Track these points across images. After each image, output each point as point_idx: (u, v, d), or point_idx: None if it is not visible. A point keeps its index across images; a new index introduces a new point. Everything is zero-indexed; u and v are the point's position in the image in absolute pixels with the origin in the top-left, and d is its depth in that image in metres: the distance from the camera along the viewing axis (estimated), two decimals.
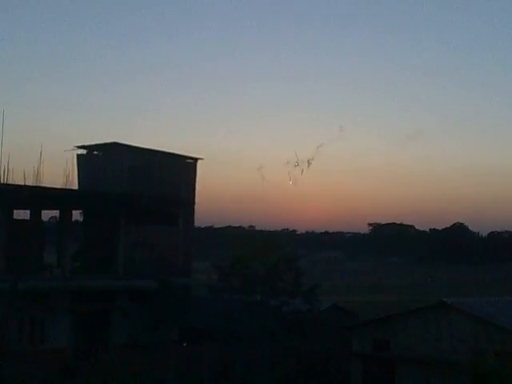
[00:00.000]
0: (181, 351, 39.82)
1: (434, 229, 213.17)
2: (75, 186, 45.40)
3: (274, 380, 38.86)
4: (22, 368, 34.68)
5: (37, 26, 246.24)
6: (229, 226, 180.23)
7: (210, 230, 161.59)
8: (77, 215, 47.96)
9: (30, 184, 40.75)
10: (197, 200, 47.65)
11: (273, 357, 39.68)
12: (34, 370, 35.13)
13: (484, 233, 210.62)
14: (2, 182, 39.64)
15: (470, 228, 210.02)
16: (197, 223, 49.97)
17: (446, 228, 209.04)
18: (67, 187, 43.18)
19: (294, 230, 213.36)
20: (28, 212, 46.49)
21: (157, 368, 36.45)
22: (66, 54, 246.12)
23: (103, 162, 46.70)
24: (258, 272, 43.74)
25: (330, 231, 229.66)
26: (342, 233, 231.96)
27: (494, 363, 30.30)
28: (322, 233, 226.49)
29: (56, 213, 49.46)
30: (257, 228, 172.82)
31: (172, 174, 46.68)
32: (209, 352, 37.49)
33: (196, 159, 48.17)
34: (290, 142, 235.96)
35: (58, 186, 42.28)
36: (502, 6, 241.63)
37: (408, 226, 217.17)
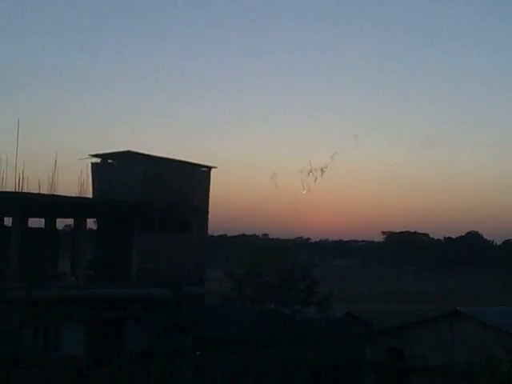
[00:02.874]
0: (194, 360, 39.87)
1: (449, 237, 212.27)
2: (89, 195, 45.60)
3: None
4: (35, 376, 34.83)
5: (51, 35, 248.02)
6: (242, 235, 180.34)
7: (223, 239, 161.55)
8: (91, 223, 48.16)
9: (45, 192, 40.98)
10: (210, 208, 47.75)
11: (286, 365, 39.62)
12: (48, 378, 35.30)
13: (499, 241, 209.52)
14: (16, 190, 39.88)
15: (485, 236, 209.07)
16: (210, 231, 50.07)
17: (461, 236, 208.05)
18: (81, 196, 43.39)
19: (308, 238, 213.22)
20: (43, 220, 46.73)
21: (170, 376, 36.48)
22: (81, 62, 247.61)
23: (117, 170, 46.87)
24: (271, 281, 43.72)
25: (344, 239, 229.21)
26: (355, 241, 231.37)
27: (508, 372, 30.09)
28: (335, 241, 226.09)
29: (70, 221, 49.71)
30: (270, 236, 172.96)
31: (186, 182, 46.78)
32: (222, 361, 37.48)
33: (210, 167, 48.26)
34: (304, 151, 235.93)
35: (73, 195, 42.51)
36: None
37: (422, 234, 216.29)
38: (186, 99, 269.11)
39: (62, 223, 54.19)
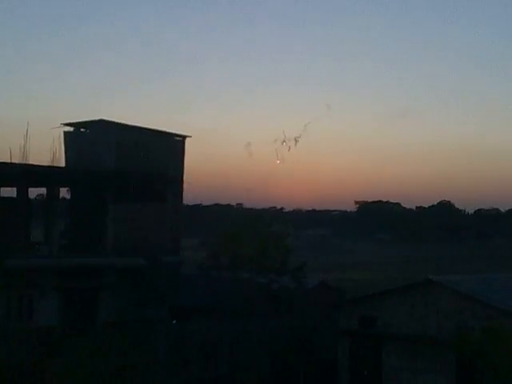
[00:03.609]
0: (170, 328, 40.00)
1: (421, 206, 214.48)
2: (62, 164, 45.20)
3: (262, 356, 39.15)
4: (8, 345, 34.76)
5: (26, 7, 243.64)
6: (216, 204, 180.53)
7: (197, 208, 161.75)
8: (64, 192, 47.78)
9: (17, 161, 40.54)
10: (185, 178, 47.58)
11: (261, 334, 39.92)
12: (21, 348, 35.25)
13: (470, 210, 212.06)
14: None
15: (457, 206, 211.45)
16: (185, 201, 49.93)
17: (433, 205, 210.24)
18: (54, 164, 42.99)
19: (282, 208, 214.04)
20: (15, 190, 46.23)
21: (145, 346, 36.59)
22: (52, 30, 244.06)
23: (90, 139, 46.43)
24: (245, 250, 43.90)
25: (317, 209, 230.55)
26: (329, 211, 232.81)
27: (479, 340, 30.59)
28: (309, 211, 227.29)
29: (43, 190, 49.25)
30: (244, 206, 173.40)
31: (160, 151, 46.50)
32: (198, 329, 37.65)
33: (184, 137, 47.99)
34: (278, 120, 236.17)
35: (45, 164, 42.10)
36: None
37: (394, 203, 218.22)
38: (161, 70, 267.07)
39: (34, 192, 53.72)
